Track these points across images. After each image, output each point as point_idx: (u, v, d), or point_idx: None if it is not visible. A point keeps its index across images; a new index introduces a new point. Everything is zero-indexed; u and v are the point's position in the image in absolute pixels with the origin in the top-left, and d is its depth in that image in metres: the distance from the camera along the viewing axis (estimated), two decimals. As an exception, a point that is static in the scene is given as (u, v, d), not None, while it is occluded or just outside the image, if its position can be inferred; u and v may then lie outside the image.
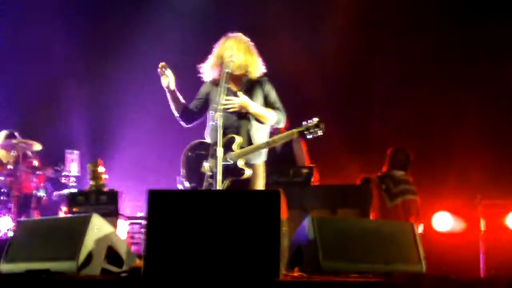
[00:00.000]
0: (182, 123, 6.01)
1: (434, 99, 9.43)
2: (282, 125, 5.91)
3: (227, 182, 5.43)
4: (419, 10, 9.68)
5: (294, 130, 5.51)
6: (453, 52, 9.46)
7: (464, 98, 9.23)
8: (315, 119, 5.44)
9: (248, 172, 5.54)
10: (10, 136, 8.83)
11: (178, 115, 5.96)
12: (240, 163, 5.54)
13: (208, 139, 5.74)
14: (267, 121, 5.76)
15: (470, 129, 9.10)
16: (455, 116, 9.32)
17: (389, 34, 9.79)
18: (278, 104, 5.87)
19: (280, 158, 6.27)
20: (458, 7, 9.45)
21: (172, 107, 5.92)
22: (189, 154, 5.77)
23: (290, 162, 7.62)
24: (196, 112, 5.95)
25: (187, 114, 5.95)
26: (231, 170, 5.50)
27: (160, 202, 4.07)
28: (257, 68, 5.87)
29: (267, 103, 5.84)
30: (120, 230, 7.42)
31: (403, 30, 9.70)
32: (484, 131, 9.14)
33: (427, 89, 9.56)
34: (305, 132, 5.46)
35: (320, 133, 5.44)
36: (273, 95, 5.88)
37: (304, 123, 5.48)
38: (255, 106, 5.69)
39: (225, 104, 5.56)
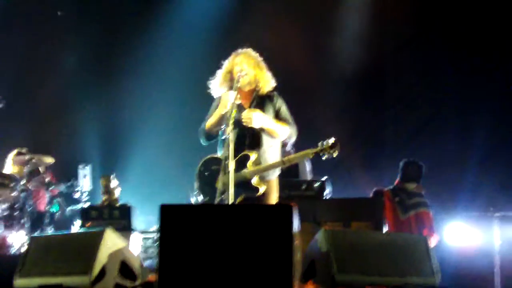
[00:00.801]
0: (204, 141, 5.98)
1: (446, 110, 9.40)
2: (293, 139, 5.90)
3: (240, 199, 5.43)
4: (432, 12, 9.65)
5: (309, 151, 5.50)
6: (464, 59, 9.42)
7: (477, 108, 9.19)
8: (331, 140, 5.42)
9: (261, 190, 5.54)
10: (20, 155, 8.86)
11: (207, 136, 5.93)
12: (254, 180, 5.53)
13: (220, 154, 5.75)
14: (280, 135, 5.76)
15: (483, 140, 9.05)
16: (467, 126, 9.28)
17: (399, 43, 9.77)
18: (289, 118, 5.87)
19: (285, 172, 6.25)
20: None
21: (213, 127, 5.85)
22: (202, 168, 5.78)
23: (294, 177, 7.60)
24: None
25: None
26: (245, 187, 5.50)
27: (172, 217, 4.08)
28: (267, 83, 5.87)
29: (278, 118, 5.84)
30: (133, 245, 7.42)
31: (415, 37, 9.70)
32: (497, 142, 9.09)
33: (440, 99, 9.53)
34: (320, 154, 5.45)
35: (334, 155, 5.43)
36: (284, 110, 5.88)
37: (319, 143, 5.46)
38: (268, 120, 5.69)
39: (241, 119, 5.56)
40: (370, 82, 9.86)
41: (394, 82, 9.88)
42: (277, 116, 5.84)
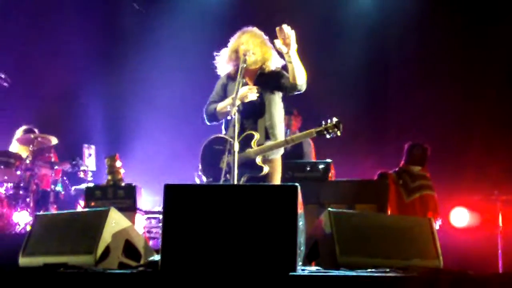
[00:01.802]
0: (208, 121, 5.98)
1: (451, 94, 9.38)
2: (303, 87, 5.82)
3: (244, 179, 5.44)
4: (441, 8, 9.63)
5: (313, 130, 5.51)
6: (470, 47, 9.39)
7: (482, 92, 9.16)
8: (334, 119, 5.43)
9: (266, 169, 5.55)
10: (28, 131, 8.87)
11: (213, 118, 5.93)
12: (258, 160, 5.54)
13: (225, 134, 5.75)
14: (301, 75, 5.68)
15: (487, 124, 9.04)
16: (473, 110, 9.26)
17: (406, 29, 9.73)
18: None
19: (289, 154, 6.25)
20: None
21: (221, 110, 5.85)
22: (207, 148, 5.79)
23: (299, 158, 7.60)
24: None
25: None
26: (249, 167, 5.51)
27: (176, 197, 4.08)
28: (273, 61, 5.85)
29: (282, 81, 5.81)
30: (138, 225, 7.44)
31: (421, 24, 9.66)
32: (502, 125, 9.07)
33: (444, 83, 9.51)
34: (324, 132, 5.45)
35: (338, 133, 5.43)
36: (295, 57, 5.68)
37: (323, 122, 5.46)
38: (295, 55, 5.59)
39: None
40: (374, 66, 9.82)
41: (398, 66, 9.85)
42: (281, 79, 5.82)
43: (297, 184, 4.07)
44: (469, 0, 9.50)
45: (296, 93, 5.81)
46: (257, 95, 5.67)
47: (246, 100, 5.62)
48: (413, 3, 9.64)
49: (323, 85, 9.41)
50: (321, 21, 9.88)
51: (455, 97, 9.34)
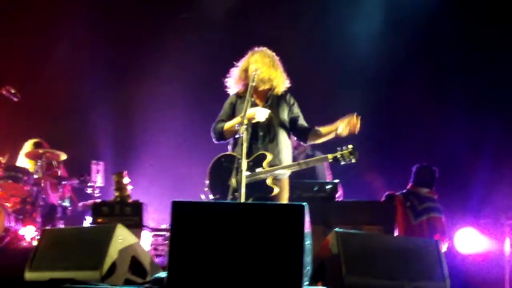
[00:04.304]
0: (216, 140, 5.99)
1: (458, 117, 9.37)
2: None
3: (251, 199, 5.43)
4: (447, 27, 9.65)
5: (329, 156, 5.50)
6: (477, 70, 9.41)
7: (489, 116, 9.15)
8: (350, 146, 5.43)
9: (276, 190, 5.55)
10: (37, 145, 8.90)
11: (221, 137, 5.94)
12: (269, 181, 5.55)
13: (234, 152, 5.75)
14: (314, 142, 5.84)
15: (495, 147, 9.02)
16: (480, 133, 9.24)
17: (411, 52, 9.76)
18: (302, 118, 5.92)
19: (301, 173, 6.26)
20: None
21: (228, 129, 5.84)
22: (215, 166, 5.78)
23: (311, 177, 7.60)
24: None
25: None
26: (259, 187, 5.51)
27: (183, 213, 4.09)
28: (281, 82, 5.88)
29: (292, 117, 5.85)
30: (144, 242, 7.44)
31: (428, 47, 9.69)
32: (509, 148, 9.05)
33: (451, 106, 9.50)
34: (340, 158, 5.45)
35: (353, 160, 5.43)
36: (297, 109, 5.94)
37: (338, 148, 5.46)
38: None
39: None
40: (383, 88, 9.83)
41: (406, 87, 9.84)
42: (291, 113, 5.86)
43: (304, 203, 4.07)
44: (477, 29, 9.48)
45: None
46: (266, 116, 5.68)
47: (254, 121, 5.62)
48: (418, 31, 9.67)
49: (333, 105, 9.43)
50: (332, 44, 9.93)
51: (463, 120, 9.33)
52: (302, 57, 9.42)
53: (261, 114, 5.64)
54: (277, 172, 5.60)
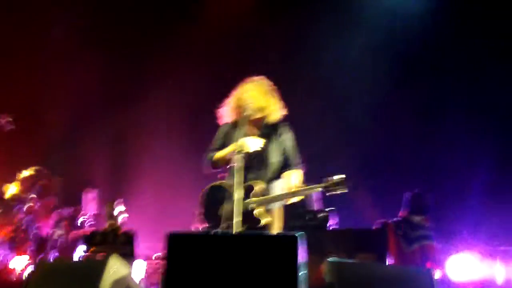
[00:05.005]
0: (208, 169, 5.98)
1: (450, 145, 9.41)
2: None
3: (243, 229, 5.39)
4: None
5: (318, 186, 5.45)
6: (471, 95, 9.48)
7: (481, 144, 9.20)
8: (341, 177, 5.36)
9: (263, 221, 5.50)
10: (31, 176, 8.87)
11: (213, 167, 5.93)
12: (256, 211, 5.50)
13: (226, 181, 5.75)
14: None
15: (486, 174, 9.06)
16: (471, 161, 9.28)
17: (401, 77, 9.82)
18: (292, 157, 5.81)
19: (293, 205, 6.24)
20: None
21: (221, 158, 5.79)
22: (208, 195, 5.76)
23: (304, 208, 7.59)
24: None
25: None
26: (246, 218, 5.48)
27: (179, 245, 4.09)
28: (275, 112, 5.86)
29: (282, 150, 5.83)
30: (136, 271, 7.41)
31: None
32: (501, 176, 9.09)
33: (442, 134, 9.55)
34: (330, 189, 5.40)
35: (338, 191, 5.38)
36: (289, 145, 5.81)
37: (329, 178, 5.42)
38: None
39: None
40: (374, 117, 9.87)
41: (396, 118, 9.87)
42: (280, 146, 5.83)
43: (297, 234, 4.08)
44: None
45: None
46: (258, 147, 5.67)
47: (246, 151, 5.59)
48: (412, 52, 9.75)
49: (324, 134, 9.48)
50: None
51: (454, 147, 9.38)
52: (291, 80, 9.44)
53: (252, 144, 5.63)
54: (268, 203, 5.57)
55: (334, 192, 5.36)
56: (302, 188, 5.58)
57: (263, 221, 5.49)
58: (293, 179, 5.53)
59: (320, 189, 5.42)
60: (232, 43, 10.31)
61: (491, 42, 9.41)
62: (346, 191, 5.36)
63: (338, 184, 5.33)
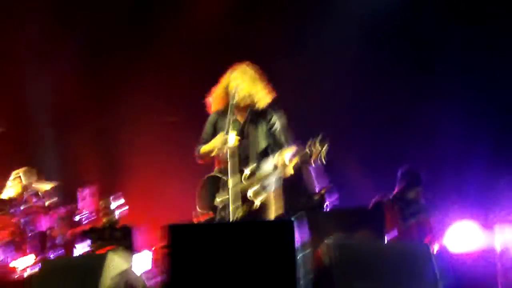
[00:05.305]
0: (200, 161, 5.99)
1: (446, 118, 9.38)
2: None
3: (239, 214, 5.41)
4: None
5: (300, 154, 5.44)
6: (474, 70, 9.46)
7: (478, 115, 9.19)
8: (320, 135, 5.36)
9: (257, 202, 5.52)
10: (24, 175, 8.84)
11: (201, 159, 5.94)
12: (250, 193, 5.52)
13: (218, 172, 5.76)
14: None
15: (487, 144, 9.05)
16: (473, 131, 9.21)
17: (393, 52, 9.79)
18: (282, 137, 5.81)
19: (291, 187, 6.25)
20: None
21: (207, 154, 5.80)
22: (204, 187, 5.78)
23: (302, 190, 7.62)
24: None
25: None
26: (243, 201, 5.50)
27: (180, 236, 4.15)
28: (262, 98, 5.85)
29: (272, 134, 5.83)
30: (136, 265, 7.43)
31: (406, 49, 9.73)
32: (501, 143, 9.09)
33: (439, 107, 9.50)
34: (313, 150, 5.34)
35: (326, 146, 5.35)
36: (278, 127, 5.81)
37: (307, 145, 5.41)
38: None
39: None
40: (368, 93, 9.83)
41: (394, 93, 9.82)
42: (272, 133, 5.84)
43: (294, 217, 4.11)
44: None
45: None
46: (234, 142, 5.64)
47: (225, 149, 5.58)
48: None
49: (316, 111, 9.44)
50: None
51: (451, 120, 9.34)
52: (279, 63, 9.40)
53: (229, 141, 5.60)
54: (260, 185, 5.58)
55: (319, 153, 5.33)
56: (288, 154, 5.51)
57: (257, 202, 5.49)
58: (284, 155, 5.53)
59: (302, 156, 5.40)
60: (216, 33, 10.24)
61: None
62: (327, 147, 5.33)
63: (320, 142, 5.29)
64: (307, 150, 5.35)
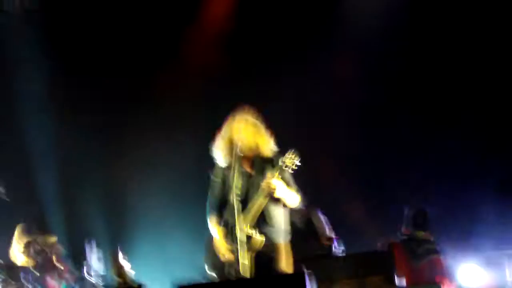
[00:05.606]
0: None
1: (454, 153, 9.40)
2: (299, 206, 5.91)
3: (249, 257, 5.38)
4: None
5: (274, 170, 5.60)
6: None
7: (485, 146, 9.21)
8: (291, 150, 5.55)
9: (258, 237, 5.51)
10: (27, 228, 8.74)
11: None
12: (251, 232, 5.53)
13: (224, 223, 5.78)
14: (292, 204, 5.78)
15: (491, 177, 9.06)
16: (478, 167, 9.22)
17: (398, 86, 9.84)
18: (293, 185, 5.85)
19: (302, 234, 6.28)
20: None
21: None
22: (209, 242, 5.79)
23: (313, 235, 7.60)
24: (223, 202, 5.92)
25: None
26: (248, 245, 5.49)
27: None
28: (267, 147, 5.92)
29: None
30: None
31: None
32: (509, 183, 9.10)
33: (445, 143, 9.51)
34: (286, 162, 5.55)
35: (297, 160, 5.53)
36: (287, 176, 5.83)
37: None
38: (285, 188, 5.70)
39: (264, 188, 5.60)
40: (370, 132, 9.85)
41: (396, 129, 9.82)
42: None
43: (304, 271, 4.12)
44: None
45: None
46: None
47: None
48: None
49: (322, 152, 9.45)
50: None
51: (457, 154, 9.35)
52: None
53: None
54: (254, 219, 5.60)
55: (291, 165, 5.54)
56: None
57: (258, 238, 5.49)
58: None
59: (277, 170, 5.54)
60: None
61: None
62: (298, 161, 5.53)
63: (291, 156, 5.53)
64: (280, 163, 5.55)
